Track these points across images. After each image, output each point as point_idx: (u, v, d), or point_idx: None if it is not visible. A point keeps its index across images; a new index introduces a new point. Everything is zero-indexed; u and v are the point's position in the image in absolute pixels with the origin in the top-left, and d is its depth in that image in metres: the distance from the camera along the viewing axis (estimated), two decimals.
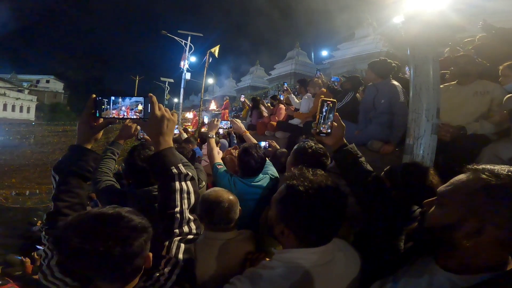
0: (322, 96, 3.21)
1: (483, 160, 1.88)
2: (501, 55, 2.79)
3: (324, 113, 1.14)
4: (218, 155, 2.17)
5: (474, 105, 2.20)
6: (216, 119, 2.54)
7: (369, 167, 1.21)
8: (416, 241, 0.90)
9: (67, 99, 50.79)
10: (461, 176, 0.72)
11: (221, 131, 4.55)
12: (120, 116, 0.97)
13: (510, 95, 2.02)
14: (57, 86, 49.64)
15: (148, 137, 2.01)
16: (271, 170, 2.04)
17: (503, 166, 0.67)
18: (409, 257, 0.86)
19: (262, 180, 1.93)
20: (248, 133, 2.40)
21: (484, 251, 0.67)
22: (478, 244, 0.66)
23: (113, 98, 0.95)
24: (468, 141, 1.99)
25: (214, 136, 2.27)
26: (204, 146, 3.76)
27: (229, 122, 2.79)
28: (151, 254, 0.77)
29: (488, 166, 0.68)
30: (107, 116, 0.96)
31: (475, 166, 0.70)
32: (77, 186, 0.93)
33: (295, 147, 1.70)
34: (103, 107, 0.95)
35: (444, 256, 0.76)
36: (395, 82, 2.83)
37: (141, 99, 0.95)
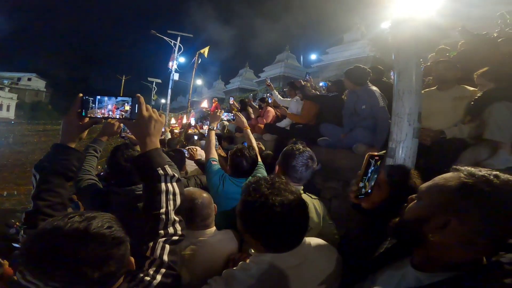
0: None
1: (462, 163, 1.95)
2: (480, 61, 2.92)
3: (370, 172, 0.91)
4: (214, 150, 2.16)
5: (453, 110, 2.27)
6: (219, 110, 2.53)
7: None
8: (398, 241, 0.91)
9: (49, 98, 49.19)
10: (443, 175, 0.75)
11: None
12: (106, 116, 0.96)
13: (472, 102, 2.12)
14: (39, 84, 48.02)
15: (131, 136, 1.98)
16: (261, 172, 2.05)
17: (482, 168, 0.69)
18: (390, 257, 0.88)
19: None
20: (249, 129, 2.40)
21: (448, 248, 0.69)
22: (443, 240, 0.68)
23: (99, 97, 0.95)
24: (448, 145, 2.07)
25: (215, 128, 2.25)
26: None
27: (231, 114, 2.78)
28: (132, 259, 0.76)
29: (469, 168, 0.70)
30: (92, 116, 0.95)
31: (458, 167, 0.72)
32: (59, 186, 0.91)
33: (284, 149, 1.73)
34: (89, 106, 0.94)
35: (416, 254, 0.78)
36: (373, 88, 2.90)
37: (128, 99, 0.94)
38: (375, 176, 0.93)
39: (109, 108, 0.94)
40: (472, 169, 0.69)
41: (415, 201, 0.79)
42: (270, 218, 0.88)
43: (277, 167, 1.75)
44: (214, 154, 2.09)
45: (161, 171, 0.90)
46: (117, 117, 0.96)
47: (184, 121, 9.15)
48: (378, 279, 0.84)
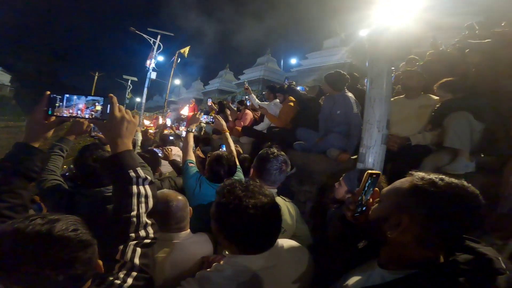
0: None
1: (425, 169, 2.09)
2: (445, 71, 3.13)
3: (366, 190, 0.91)
4: (192, 152, 2.13)
5: (418, 117, 2.41)
6: (199, 112, 2.50)
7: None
8: (368, 242, 0.97)
9: (13, 92, 45.81)
10: (401, 179, 0.82)
11: (184, 133, 4.45)
12: (74, 115, 0.92)
13: (433, 112, 2.28)
14: (3, 78, 44.48)
15: (102, 135, 1.91)
16: (238, 176, 2.06)
17: (434, 173, 0.76)
18: (362, 258, 0.93)
19: None
20: (228, 132, 2.39)
21: (406, 247, 0.75)
22: (400, 238, 0.74)
23: (67, 95, 0.91)
24: (413, 151, 2.20)
25: (194, 131, 2.23)
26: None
27: (211, 117, 2.76)
28: (101, 262, 0.74)
29: (421, 172, 0.77)
30: (59, 114, 0.91)
31: (413, 172, 0.80)
32: (21, 187, 0.87)
33: (259, 153, 1.76)
34: (56, 104, 0.91)
35: (381, 254, 0.84)
36: (349, 94, 3.01)
37: (99, 98, 0.91)
38: (368, 195, 0.92)
39: (78, 107, 0.91)
40: (423, 174, 0.76)
41: (377, 203, 0.85)
42: (243, 220, 0.90)
43: (252, 170, 1.77)
44: (192, 156, 2.08)
45: (132, 173, 0.88)
46: (87, 116, 0.92)
47: (160, 121, 8.88)
48: (349, 278, 0.88)
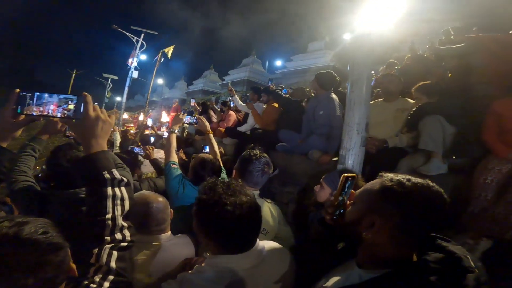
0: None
1: (401, 170, 2.17)
2: (421, 75, 3.26)
3: (345, 192, 0.91)
4: (175, 153, 2.10)
5: (395, 121, 2.50)
6: (182, 113, 2.46)
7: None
8: (346, 242, 0.98)
9: None
10: (372, 181, 0.85)
11: (166, 134, 4.36)
12: (45, 114, 0.88)
13: (409, 115, 2.37)
14: None
15: None
16: (222, 177, 2.04)
17: (402, 175, 0.79)
18: (342, 258, 0.94)
19: None
20: (211, 134, 2.37)
21: (381, 246, 0.77)
22: (375, 239, 0.77)
23: (38, 93, 0.87)
24: (390, 154, 2.28)
25: (176, 132, 2.19)
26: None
27: (195, 118, 2.72)
28: (74, 265, 0.72)
29: (390, 174, 0.80)
30: (29, 113, 0.87)
31: (382, 173, 0.83)
32: None
33: (242, 155, 1.76)
34: (26, 102, 0.86)
35: (359, 254, 0.86)
36: (333, 96, 3.08)
37: (72, 97, 0.87)
38: (346, 197, 0.93)
39: (50, 105, 0.88)
40: (392, 175, 0.79)
41: (352, 205, 0.88)
42: (221, 216, 0.90)
43: (234, 172, 1.77)
44: (175, 157, 2.05)
45: (107, 175, 0.85)
46: (58, 115, 0.88)
47: (141, 118, 8.62)
48: (330, 278, 0.90)
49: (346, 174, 0.91)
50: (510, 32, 2.55)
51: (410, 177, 0.77)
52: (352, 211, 0.86)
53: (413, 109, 2.38)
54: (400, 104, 2.58)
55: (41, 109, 0.87)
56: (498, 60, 2.37)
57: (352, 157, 1.97)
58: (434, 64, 3.21)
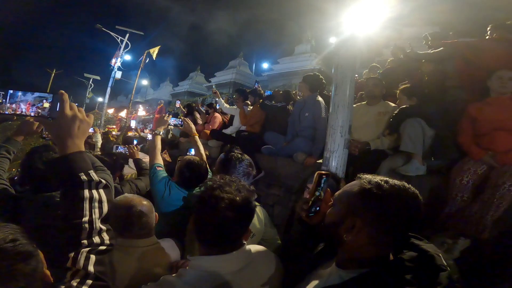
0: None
1: (382, 172, 2.23)
2: (401, 78, 3.37)
3: (321, 188, 0.93)
4: (160, 155, 2.04)
5: (377, 123, 2.56)
6: (167, 114, 2.40)
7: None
8: (325, 243, 0.99)
9: None
10: (350, 183, 0.86)
11: (150, 136, 4.28)
12: (18, 112, 0.85)
13: (391, 118, 2.45)
14: None
15: None
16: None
17: (379, 176, 0.81)
18: (322, 259, 0.95)
19: (198, 190, 1.89)
20: (197, 136, 2.33)
21: (361, 247, 0.78)
22: (355, 240, 0.77)
23: (11, 91, 0.84)
24: (372, 156, 2.34)
25: (161, 133, 2.13)
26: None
27: (180, 119, 2.68)
28: (48, 272, 0.70)
29: (369, 176, 0.82)
30: (1, 112, 0.84)
31: (361, 175, 0.84)
32: None
33: (222, 159, 1.70)
34: None
35: (338, 254, 0.87)
36: (319, 98, 3.13)
37: (47, 95, 0.84)
38: (322, 193, 0.94)
39: (24, 104, 0.84)
40: (370, 177, 0.81)
41: (332, 207, 0.88)
42: (212, 212, 0.89)
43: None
44: (160, 160, 2.00)
45: (84, 177, 0.82)
46: (32, 114, 0.85)
47: (123, 114, 8.42)
48: (311, 279, 0.90)
49: (319, 172, 0.95)
50: (486, 37, 2.67)
51: (387, 179, 0.79)
52: (332, 213, 0.86)
53: (395, 112, 2.45)
54: (382, 107, 2.64)
55: (14, 107, 0.84)
56: (471, 65, 2.49)
57: (336, 159, 1.99)
58: (415, 68, 3.32)
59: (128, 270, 1.18)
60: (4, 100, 0.83)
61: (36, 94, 0.85)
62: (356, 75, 3.82)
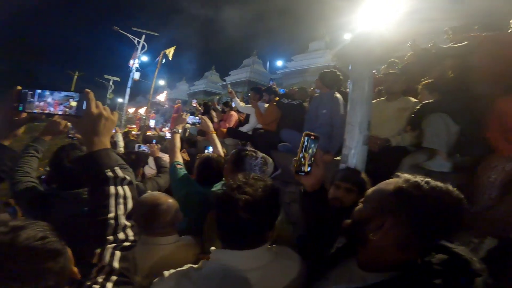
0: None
1: (403, 168, 2.16)
2: (421, 73, 3.24)
3: (305, 149, 0.99)
4: (179, 153, 2.08)
5: (397, 119, 2.49)
6: (185, 113, 2.44)
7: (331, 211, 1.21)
8: (346, 240, 0.96)
9: None
10: (386, 180, 0.81)
11: (168, 135, 4.37)
12: (46, 111, 0.87)
13: (413, 114, 2.37)
14: None
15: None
16: None
17: (419, 176, 0.75)
18: (340, 257, 0.92)
19: (218, 186, 1.90)
20: (214, 134, 2.36)
21: (386, 248, 0.74)
22: (381, 240, 0.73)
23: (39, 91, 0.86)
24: (392, 152, 2.27)
25: (180, 132, 2.17)
26: None
27: (198, 118, 2.71)
28: (76, 269, 0.71)
29: (407, 175, 0.76)
30: (31, 111, 0.86)
31: (399, 173, 0.79)
32: None
33: (235, 157, 1.64)
34: (27, 100, 0.85)
35: (361, 255, 0.83)
36: (337, 95, 3.09)
37: (74, 94, 0.86)
38: (312, 152, 1.00)
39: (52, 103, 0.87)
40: (409, 176, 0.75)
41: (361, 204, 0.84)
42: (233, 207, 0.88)
43: (226, 174, 1.70)
44: (179, 158, 2.03)
45: (110, 173, 0.83)
46: (60, 113, 0.87)
47: (142, 111, 8.65)
48: (330, 278, 0.87)
49: (306, 132, 0.99)
50: (510, 31, 2.53)
51: (429, 180, 0.73)
52: (362, 210, 0.83)
53: (416, 108, 2.37)
54: (402, 103, 2.57)
55: (43, 106, 0.86)
56: (496, 60, 2.36)
57: (355, 156, 1.96)
58: (435, 62, 3.19)
59: (149, 266, 1.20)
60: (32, 100, 0.85)
61: (63, 93, 0.87)
62: (374, 71, 3.70)
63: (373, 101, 2.41)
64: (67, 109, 0.86)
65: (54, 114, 0.90)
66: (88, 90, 0.86)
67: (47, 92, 0.86)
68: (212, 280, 0.87)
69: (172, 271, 0.93)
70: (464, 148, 2.28)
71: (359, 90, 2.04)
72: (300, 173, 1.01)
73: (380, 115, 2.50)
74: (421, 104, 2.39)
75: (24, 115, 0.89)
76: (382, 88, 3.10)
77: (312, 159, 1.00)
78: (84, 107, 0.85)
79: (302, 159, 0.99)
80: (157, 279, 0.92)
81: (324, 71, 3.26)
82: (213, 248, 0.97)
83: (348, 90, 3.07)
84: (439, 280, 0.65)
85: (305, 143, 0.98)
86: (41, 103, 0.86)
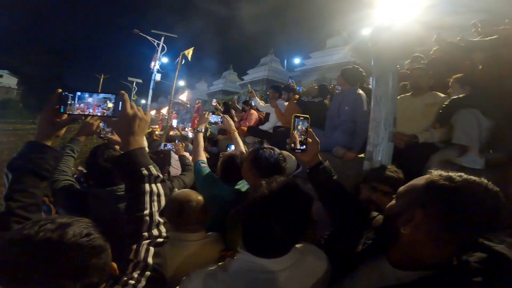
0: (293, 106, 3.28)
1: (432, 165, 2.08)
2: (451, 67, 3.10)
3: (298, 129, 1.12)
4: (203, 152, 2.13)
5: (424, 115, 2.40)
6: (207, 112, 2.49)
7: (340, 183, 1.22)
8: (376, 237, 0.95)
9: (20, 96, 46.49)
10: (419, 177, 0.79)
11: (190, 134, 4.48)
12: (86, 113, 0.92)
13: (441, 110, 2.27)
14: (10, 81, 45.25)
15: (111, 136, 1.93)
16: None
17: (453, 171, 0.73)
18: (367, 256, 0.90)
19: (241, 184, 1.93)
20: (236, 132, 2.39)
21: (418, 244, 0.72)
22: (413, 235, 0.71)
23: (79, 93, 0.90)
24: (420, 149, 2.19)
25: (202, 130, 2.22)
26: None
27: (219, 117, 2.76)
28: (115, 265, 0.73)
29: (441, 171, 0.74)
30: (72, 113, 0.90)
31: (432, 170, 0.77)
32: (33, 186, 0.87)
33: (253, 155, 1.53)
34: (68, 102, 0.90)
35: (393, 253, 0.82)
36: (360, 91, 3.02)
37: (110, 96, 0.91)
38: (304, 131, 1.15)
39: (90, 105, 0.92)
40: (442, 171, 0.73)
41: (394, 200, 0.84)
42: (253, 217, 0.87)
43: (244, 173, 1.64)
44: (203, 156, 2.07)
45: (145, 171, 0.87)
46: (99, 114, 0.92)
47: (164, 111, 8.86)
48: (357, 277, 0.86)
49: (295, 114, 1.14)
50: None
51: (462, 173, 0.71)
52: (394, 206, 0.81)
53: (445, 103, 2.27)
54: (429, 98, 2.47)
55: (83, 108, 0.91)
56: None
57: (380, 152, 1.91)
58: (463, 56, 3.05)
59: (177, 262, 1.24)
60: (73, 102, 0.90)
61: (101, 95, 0.91)
62: (398, 66, 3.57)
63: (398, 97, 2.34)
64: (104, 111, 0.91)
65: (93, 115, 0.94)
66: (123, 92, 0.90)
67: (86, 94, 0.91)
68: (240, 281, 0.87)
69: (199, 270, 0.94)
70: (497, 144, 2.16)
71: (383, 86, 1.99)
72: (296, 151, 1.14)
73: (404, 111, 2.42)
74: (450, 99, 2.29)
75: (65, 116, 0.94)
76: (407, 83, 3.00)
77: (303, 136, 1.14)
78: (119, 108, 0.90)
79: (295, 138, 1.12)
80: (185, 278, 0.93)
81: (346, 68, 3.21)
82: (239, 248, 0.95)
83: (370, 86, 3.00)
84: (480, 278, 0.62)
85: (295, 123, 1.12)
86: (81, 105, 0.91)
